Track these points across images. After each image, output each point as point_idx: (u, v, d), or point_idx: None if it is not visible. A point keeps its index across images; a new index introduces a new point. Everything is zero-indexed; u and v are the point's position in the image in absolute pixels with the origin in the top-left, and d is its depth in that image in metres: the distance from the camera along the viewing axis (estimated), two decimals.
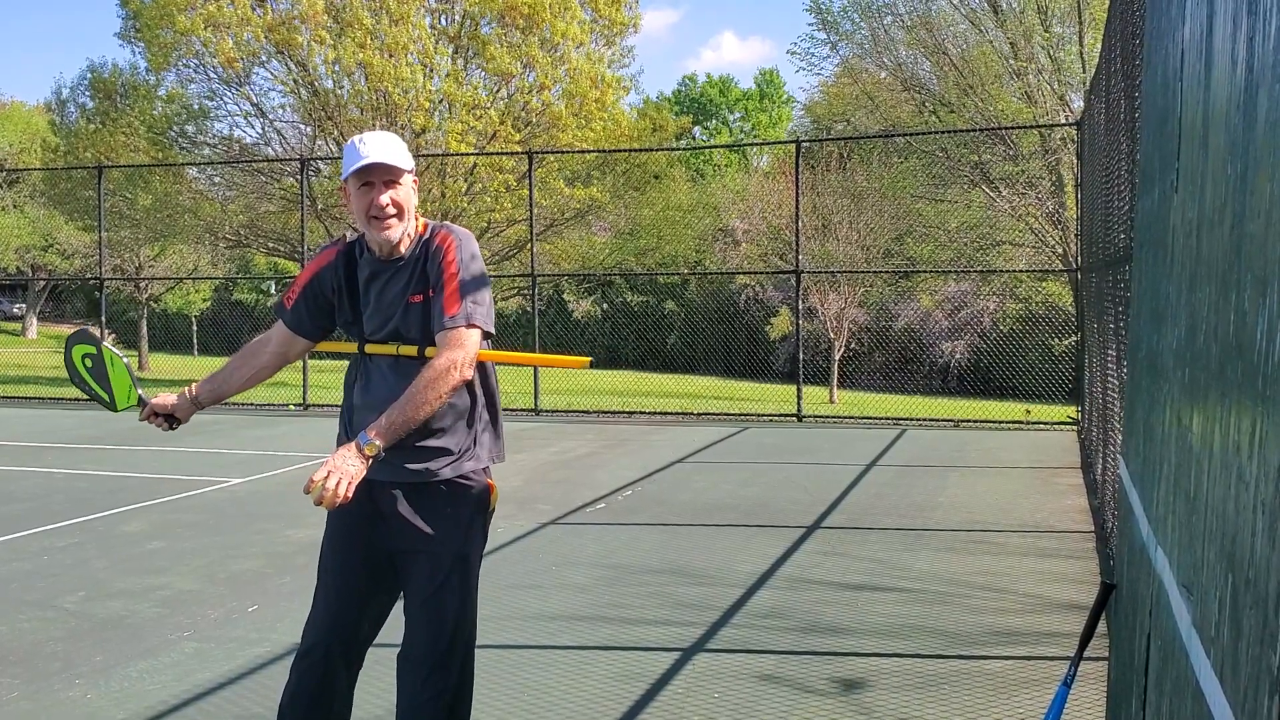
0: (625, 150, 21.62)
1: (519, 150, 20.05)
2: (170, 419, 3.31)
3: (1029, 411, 15.30)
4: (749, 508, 8.22)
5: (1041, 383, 19.74)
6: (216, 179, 24.16)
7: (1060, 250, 19.77)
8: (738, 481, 9.50)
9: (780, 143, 31.26)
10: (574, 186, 21.96)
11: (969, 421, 14.25)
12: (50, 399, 18.32)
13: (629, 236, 26.38)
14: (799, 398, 14.79)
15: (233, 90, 22.19)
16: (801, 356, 15.37)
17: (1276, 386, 1.17)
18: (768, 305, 27.79)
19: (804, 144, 16.10)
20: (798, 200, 15.54)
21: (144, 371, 30.56)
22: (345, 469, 2.79)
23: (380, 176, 2.99)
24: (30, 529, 7.50)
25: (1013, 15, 21.28)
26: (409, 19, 20.66)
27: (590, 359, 3.46)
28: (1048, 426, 13.65)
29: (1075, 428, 12.89)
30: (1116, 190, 6.25)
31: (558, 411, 15.80)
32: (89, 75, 23.94)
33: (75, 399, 18.27)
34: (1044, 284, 23.72)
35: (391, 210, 3.00)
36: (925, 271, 24.39)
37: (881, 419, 14.89)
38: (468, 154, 20.50)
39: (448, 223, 3.20)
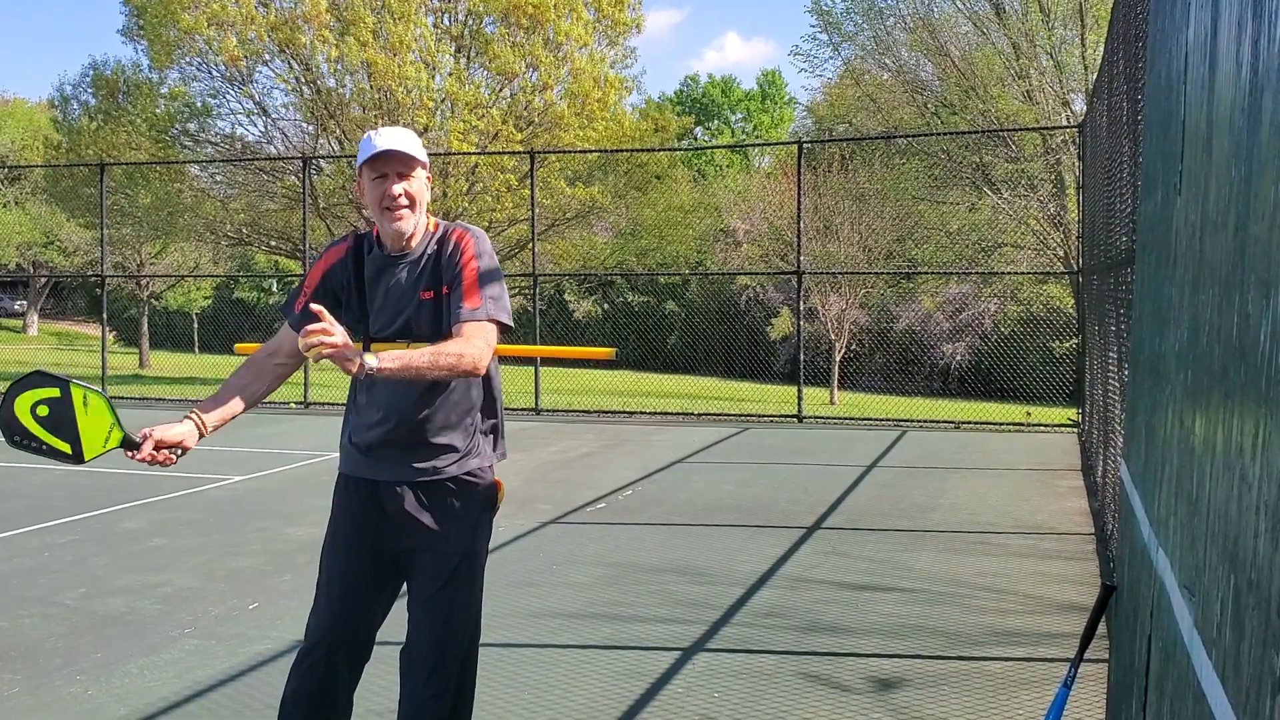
0: (627, 150, 21.62)
1: (521, 150, 20.06)
2: (177, 451, 2.95)
3: (1030, 414, 15.31)
4: (749, 508, 8.22)
5: (1042, 385, 19.74)
6: (218, 177, 24.15)
7: (1061, 253, 19.77)
8: (738, 482, 9.50)
9: (782, 143, 31.25)
10: (575, 186, 21.96)
11: (970, 423, 14.25)
12: None
13: (630, 237, 26.38)
14: (800, 399, 14.79)
15: (235, 88, 22.20)
16: (802, 357, 15.36)
17: (1279, 389, 1.17)
18: (769, 306, 27.78)
19: (806, 145, 16.12)
20: (799, 201, 15.54)
21: (145, 369, 30.55)
22: (347, 347, 2.66)
23: (394, 167, 2.98)
24: (31, 525, 7.51)
25: (1015, 17, 21.28)
26: (412, 18, 20.66)
27: (615, 349, 3.45)
28: (1048, 429, 13.65)
29: (1076, 430, 12.88)
30: (1119, 193, 6.25)
31: (558, 411, 15.80)
32: (91, 72, 23.94)
33: None
34: (1045, 286, 23.72)
35: (404, 201, 2.99)
36: (926, 273, 24.39)
37: (882, 420, 14.89)
38: (470, 153, 20.51)
39: (460, 221, 3.20)
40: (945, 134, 21.52)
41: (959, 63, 21.95)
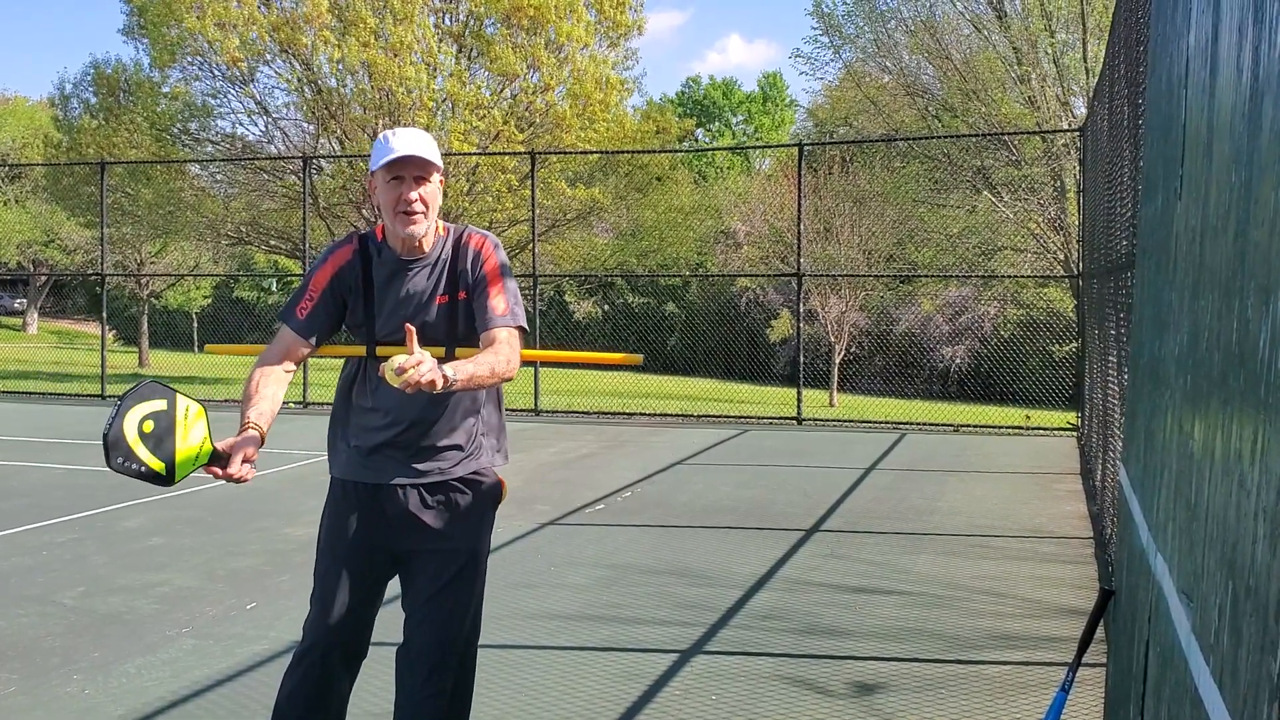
0: (628, 151, 21.62)
1: (522, 150, 20.06)
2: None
3: (1029, 417, 15.31)
4: (748, 510, 8.22)
5: (1042, 388, 19.74)
6: (219, 176, 24.15)
7: (1062, 256, 19.78)
8: (737, 483, 9.50)
9: (783, 145, 31.30)
10: (576, 187, 21.96)
11: (969, 426, 14.24)
12: (51, 394, 18.33)
13: (631, 238, 26.38)
14: (799, 401, 14.79)
15: (236, 88, 22.21)
16: (802, 359, 15.37)
17: (1279, 395, 1.17)
18: (769, 308, 27.79)
19: (806, 147, 16.11)
20: (800, 203, 15.54)
21: (144, 368, 30.56)
22: (436, 369, 2.61)
23: (411, 171, 2.96)
24: (30, 524, 7.50)
25: (1017, 20, 21.29)
26: (413, 18, 20.67)
27: (642, 356, 3.44)
28: (1048, 432, 13.65)
29: (1075, 433, 12.88)
30: (1119, 196, 6.25)
31: (557, 412, 15.80)
32: (92, 71, 23.94)
33: (76, 394, 18.28)
34: (1045, 290, 23.73)
35: (420, 206, 2.97)
36: (926, 276, 24.39)
37: (881, 423, 14.89)
38: (470, 154, 20.51)
39: (470, 225, 3.19)
40: (946, 137, 21.53)
41: (960, 66, 21.97)
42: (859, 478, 9.83)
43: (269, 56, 21.41)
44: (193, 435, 2.73)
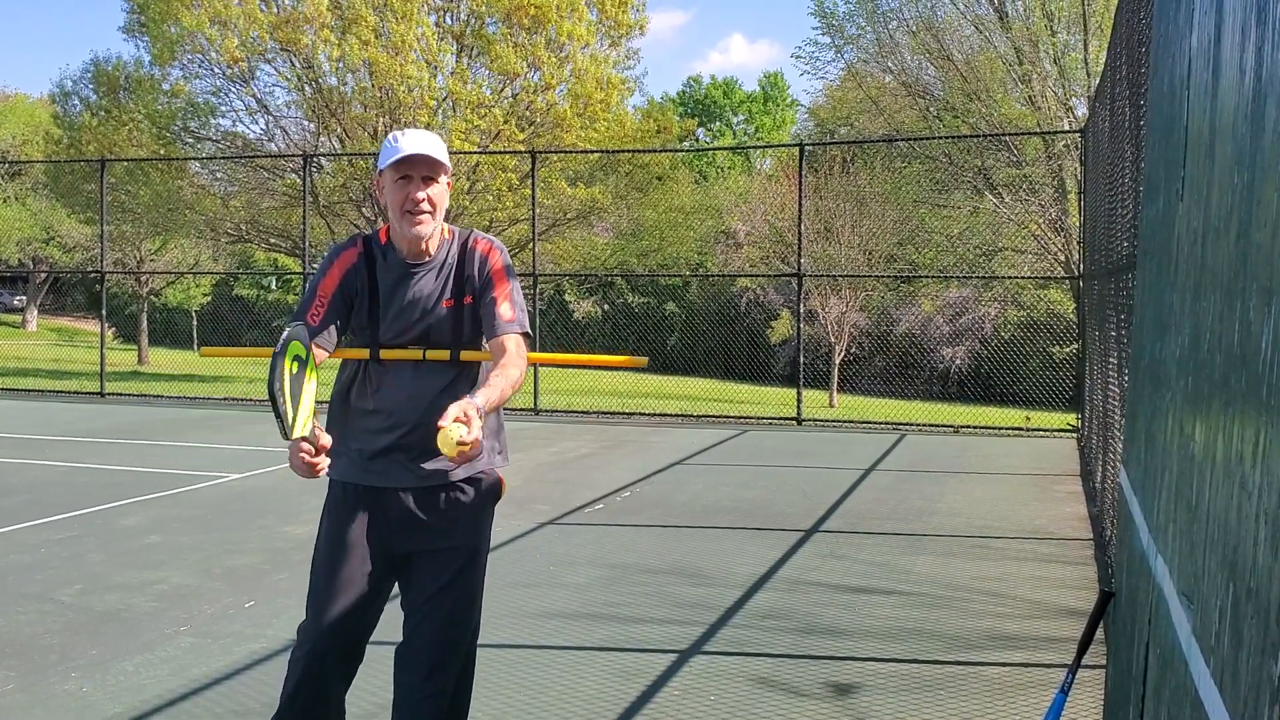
0: (629, 151, 21.62)
1: (522, 150, 20.06)
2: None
3: (1029, 418, 15.31)
4: (748, 510, 8.22)
5: (1042, 389, 19.74)
6: (219, 174, 24.16)
7: (1062, 257, 19.78)
8: (737, 484, 9.49)
9: (784, 145, 31.30)
10: (577, 186, 21.97)
11: (969, 427, 14.24)
12: (50, 391, 18.33)
13: (631, 237, 26.39)
14: (799, 401, 14.79)
15: (237, 86, 22.21)
16: (802, 360, 15.36)
17: None
18: (769, 308, 27.79)
19: (807, 147, 16.10)
20: (800, 203, 15.53)
21: (144, 366, 30.56)
22: (478, 416, 2.64)
23: (420, 171, 2.96)
24: (28, 521, 7.50)
25: (1019, 21, 21.29)
26: (413, 17, 20.66)
27: (646, 359, 3.46)
28: (1048, 433, 13.65)
29: (1075, 435, 12.88)
30: (1120, 198, 6.25)
31: (557, 411, 15.79)
32: (93, 68, 23.95)
33: (75, 392, 18.28)
34: (1046, 291, 23.74)
35: (427, 206, 2.97)
36: (927, 276, 24.39)
37: (881, 424, 14.89)
38: (471, 152, 20.51)
39: (474, 230, 3.19)
40: (947, 137, 21.52)
41: (961, 66, 21.97)
42: (859, 478, 9.82)
43: (269, 55, 21.41)
44: (310, 398, 2.76)
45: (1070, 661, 3.56)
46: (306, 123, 23.02)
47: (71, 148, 23.06)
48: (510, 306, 3.03)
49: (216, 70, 21.73)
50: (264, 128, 23.64)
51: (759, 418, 15.33)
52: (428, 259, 3.05)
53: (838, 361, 22.96)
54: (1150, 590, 2.45)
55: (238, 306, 39.11)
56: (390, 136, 3.00)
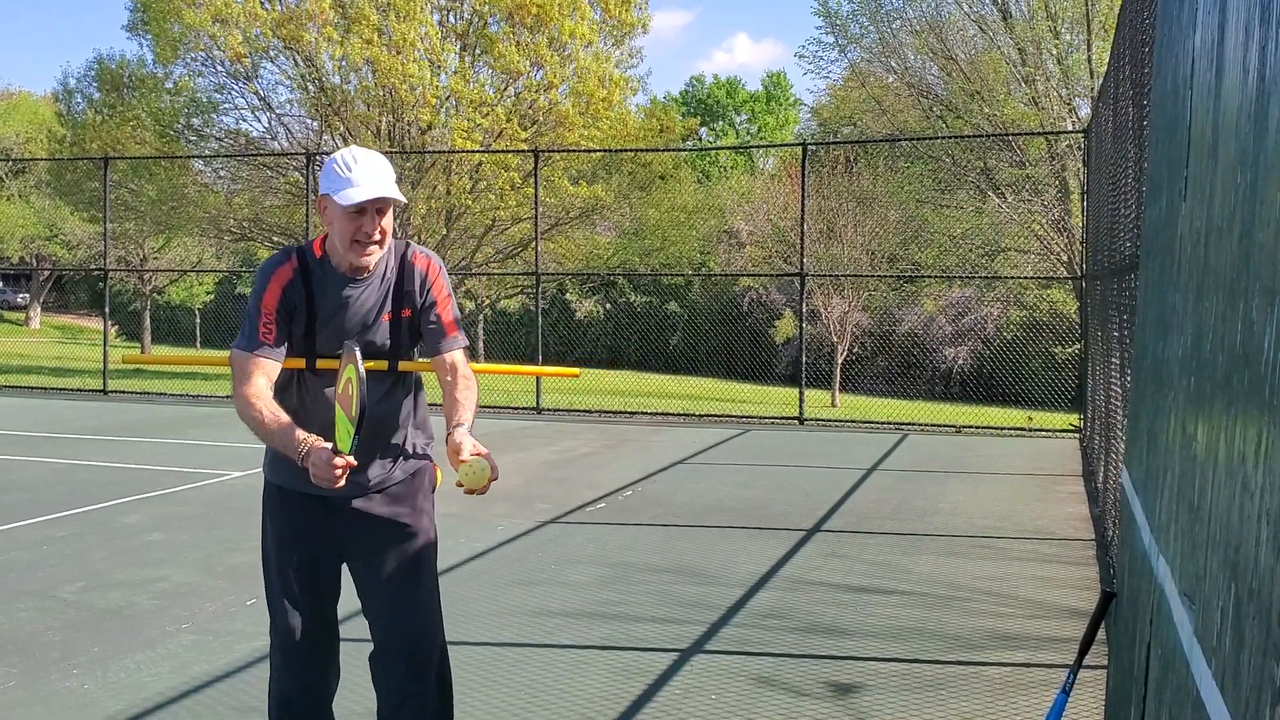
0: (631, 150, 21.62)
1: (525, 148, 20.06)
2: None
3: (1031, 418, 15.30)
4: (750, 509, 8.21)
5: (1044, 389, 19.73)
6: (222, 172, 24.18)
7: (1065, 257, 19.77)
8: (738, 483, 9.49)
9: (787, 145, 31.28)
10: (579, 185, 21.97)
11: (971, 427, 14.23)
12: (52, 389, 18.34)
13: (633, 237, 26.40)
14: (801, 401, 14.78)
15: (240, 84, 22.22)
16: (804, 359, 15.35)
17: None
18: (771, 308, 27.78)
19: (810, 147, 16.07)
20: (803, 203, 15.52)
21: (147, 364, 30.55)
22: (494, 464, 2.83)
23: (374, 204, 2.92)
24: (30, 519, 7.51)
25: (1022, 21, 21.28)
26: (416, 16, 20.67)
27: (579, 372, 3.54)
28: (1050, 433, 13.64)
29: (1077, 435, 12.87)
30: (1123, 198, 6.24)
31: (559, 410, 15.79)
32: (96, 67, 23.97)
33: (78, 390, 18.29)
34: (1048, 291, 23.73)
35: (378, 237, 2.95)
36: (929, 276, 24.37)
37: (883, 423, 14.88)
38: (473, 151, 20.50)
39: (410, 242, 3.19)
40: (950, 137, 21.51)
41: (965, 66, 21.96)
42: (861, 478, 9.82)
43: (272, 53, 21.43)
44: (347, 419, 2.76)
45: (1071, 662, 3.55)
46: (309, 121, 23.04)
47: (75, 145, 23.08)
48: (454, 322, 3.12)
49: (219, 68, 21.76)
50: (267, 126, 23.68)
51: (761, 417, 15.32)
52: (367, 274, 3.03)
53: (840, 361, 22.96)
54: (1152, 591, 2.44)
55: (240, 304, 39.08)
56: (339, 160, 2.92)
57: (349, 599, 3.21)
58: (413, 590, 3.07)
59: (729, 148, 48.56)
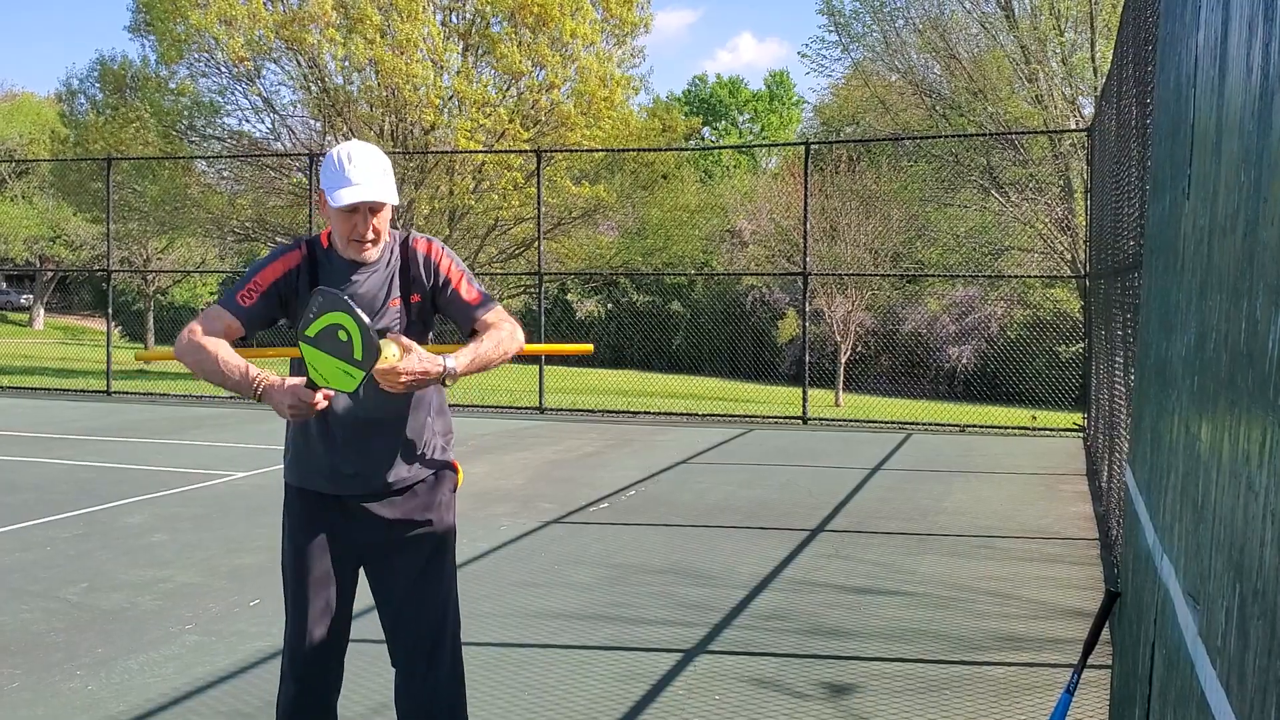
0: (634, 150, 21.61)
1: (527, 149, 20.06)
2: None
3: (1035, 417, 15.28)
4: (753, 509, 8.21)
5: (1048, 389, 19.71)
6: (225, 172, 24.21)
7: (1069, 256, 19.75)
8: (742, 483, 9.49)
9: (789, 144, 31.23)
10: (582, 185, 21.97)
11: (975, 427, 14.22)
12: (56, 390, 18.36)
13: (636, 236, 26.39)
14: (804, 400, 14.77)
15: (243, 85, 22.24)
16: (807, 359, 15.34)
17: None
18: (774, 307, 27.76)
19: (813, 146, 16.06)
20: (806, 202, 15.51)
21: (149, 365, 30.59)
22: (422, 363, 2.76)
23: (368, 204, 2.97)
24: (34, 519, 7.51)
25: (1026, 20, 21.26)
26: (419, 16, 20.68)
27: (591, 347, 3.50)
28: (1053, 433, 13.62)
29: (1081, 434, 12.86)
30: (1127, 196, 6.23)
31: (562, 410, 15.79)
32: (99, 67, 23.99)
33: (81, 390, 18.31)
34: (1052, 290, 23.71)
35: (372, 235, 3.01)
36: (933, 276, 24.35)
37: (887, 423, 14.87)
38: (476, 151, 20.51)
39: (413, 230, 3.21)
40: (953, 136, 21.49)
41: (968, 65, 21.95)
42: (864, 478, 9.81)
43: (275, 54, 21.45)
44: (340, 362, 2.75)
45: (1076, 662, 3.55)
46: (312, 121, 23.05)
47: (78, 146, 23.10)
48: (474, 290, 3.09)
49: (222, 69, 21.77)
50: (270, 126, 23.69)
51: (764, 417, 15.31)
52: (372, 262, 3.07)
53: (843, 360, 22.93)
54: (1156, 590, 2.44)
55: None
56: (335, 158, 2.95)
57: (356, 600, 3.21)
58: (434, 578, 3.12)
59: (732, 147, 48.55)
